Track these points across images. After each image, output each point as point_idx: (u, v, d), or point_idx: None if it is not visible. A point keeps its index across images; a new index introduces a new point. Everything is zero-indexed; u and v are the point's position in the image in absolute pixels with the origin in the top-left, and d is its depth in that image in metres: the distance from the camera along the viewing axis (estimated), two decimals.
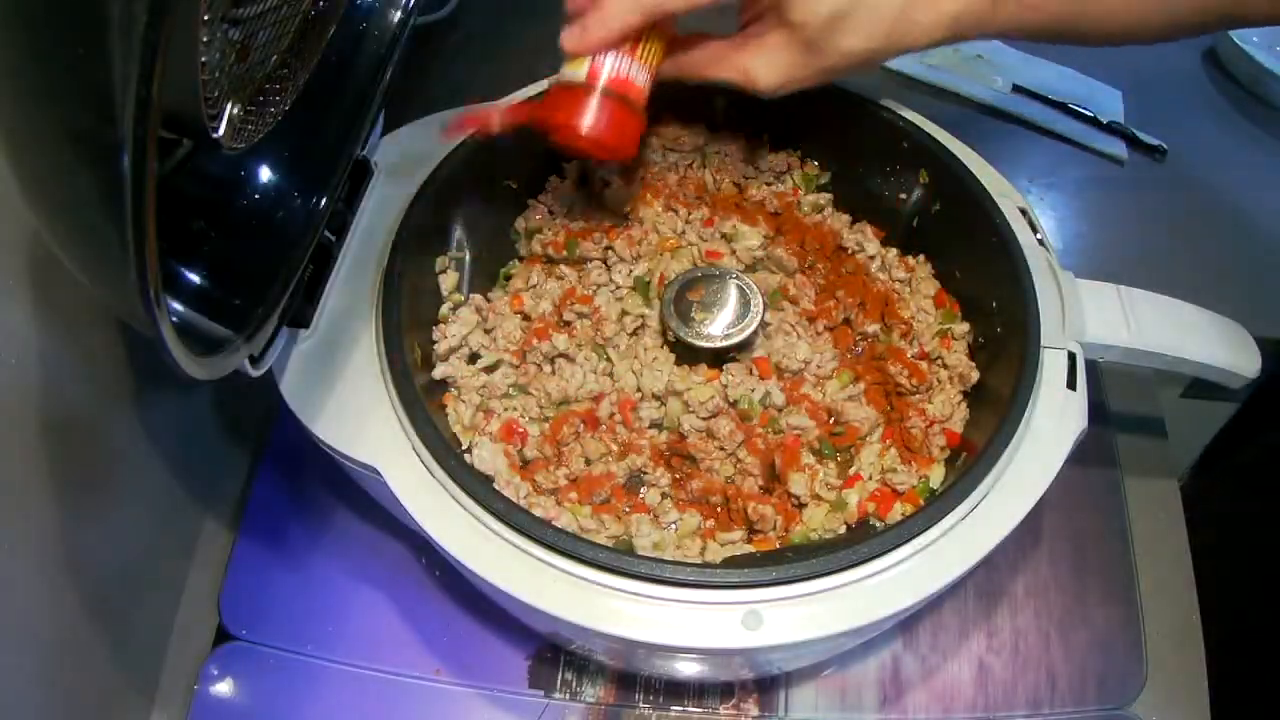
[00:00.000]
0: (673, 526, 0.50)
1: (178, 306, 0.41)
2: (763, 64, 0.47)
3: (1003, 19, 0.47)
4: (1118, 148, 0.83)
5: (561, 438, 0.51)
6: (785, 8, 0.44)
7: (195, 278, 0.43)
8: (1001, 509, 0.43)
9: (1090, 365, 0.49)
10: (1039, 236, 0.53)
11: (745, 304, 0.54)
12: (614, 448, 0.51)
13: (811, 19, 0.44)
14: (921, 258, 0.58)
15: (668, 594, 0.40)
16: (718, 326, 0.53)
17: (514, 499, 0.46)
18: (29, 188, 0.30)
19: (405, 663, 0.56)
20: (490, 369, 0.54)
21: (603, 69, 0.47)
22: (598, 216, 0.60)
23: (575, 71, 0.47)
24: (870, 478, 0.50)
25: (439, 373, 0.53)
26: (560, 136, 0.48)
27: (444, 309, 0.56)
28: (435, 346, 0.54)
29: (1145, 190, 0.82)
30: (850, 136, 0.59)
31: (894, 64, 0.86)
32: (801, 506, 0.50)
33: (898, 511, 0.49)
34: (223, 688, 0.55)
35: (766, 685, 0.56)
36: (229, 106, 0.39)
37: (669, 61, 0.49)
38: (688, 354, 0.54)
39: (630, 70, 0.47)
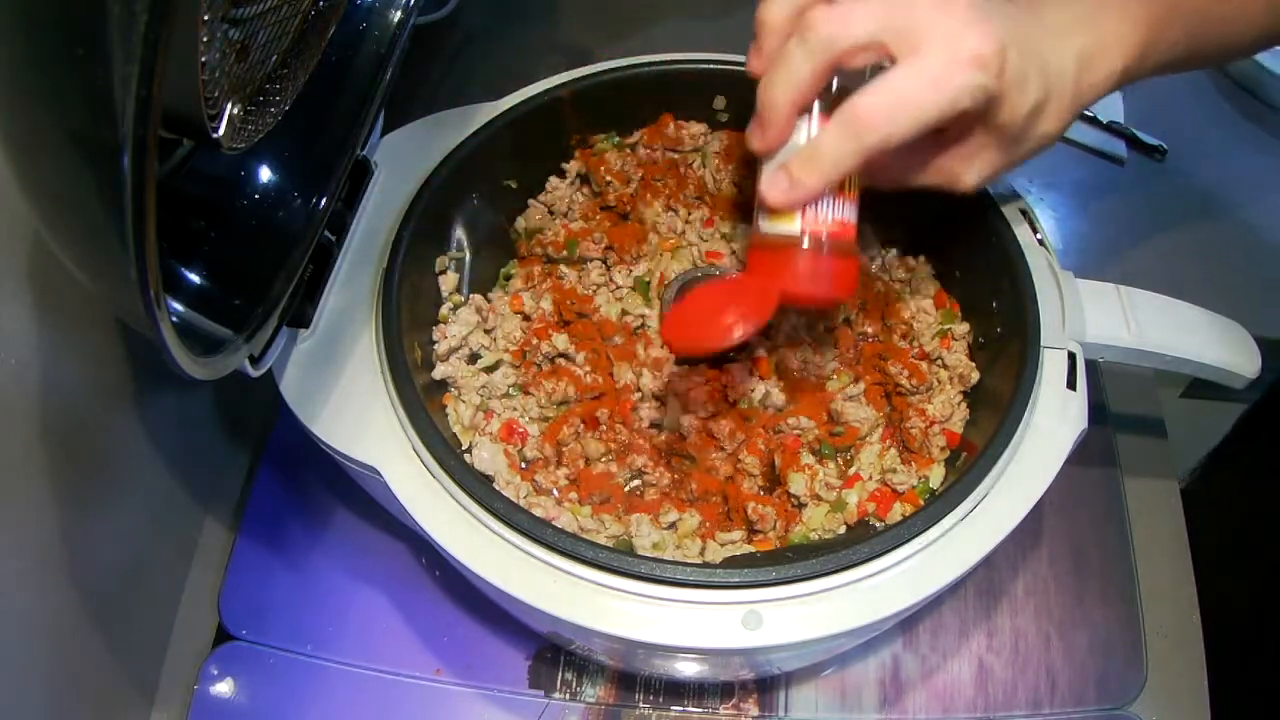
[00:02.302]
0: (673, 526, 0.50)
1: (178, 306, 0.41)
2: (968, 166, 0.46)
3: (1150, 64, 0.47)
4: (1118, 148, 0.83)
5: (561, 438, 0.51)
6: (989, 114, 0.43)
7: (195, 278, 0.43)
8: (1001, 509, 0.43)
9: (1090, 365, 0.49)
10: (1039, 236, 0.53)
11: None
12: (614, 448, 0.51)
13: (1014, 119, 0.43)
14: (921, 258, 0.58)
15: (668, 594, 0.40)
16: None
17: (514, 499, 0.46)
18: (29, 187, 0.30)
19: (405, 663, 0.56)
20: (490, 369, 0.54)
21: (817, 218, 0.42)
22: (597, 216, 0.60)
23: (786, 227, 0.42)
24: (870, 478, 0.50)
25: (439, 373, 0.53)
26: (783, 299, 0.43)
27: (444, 309, 0.56)
28: (435, 346, 0.54)
29: (1145, 190, 0.82)
30: None
31: None
32: (801, 506, 0.50)
33: (898, 511, 0.49)
34: (223, 688, 0.55)
35: (766, 685, 0.56)
36: (229, 106, 0.39)
37: (869, 176, 0.45)
38: None
39: (843, 211, 0.43)
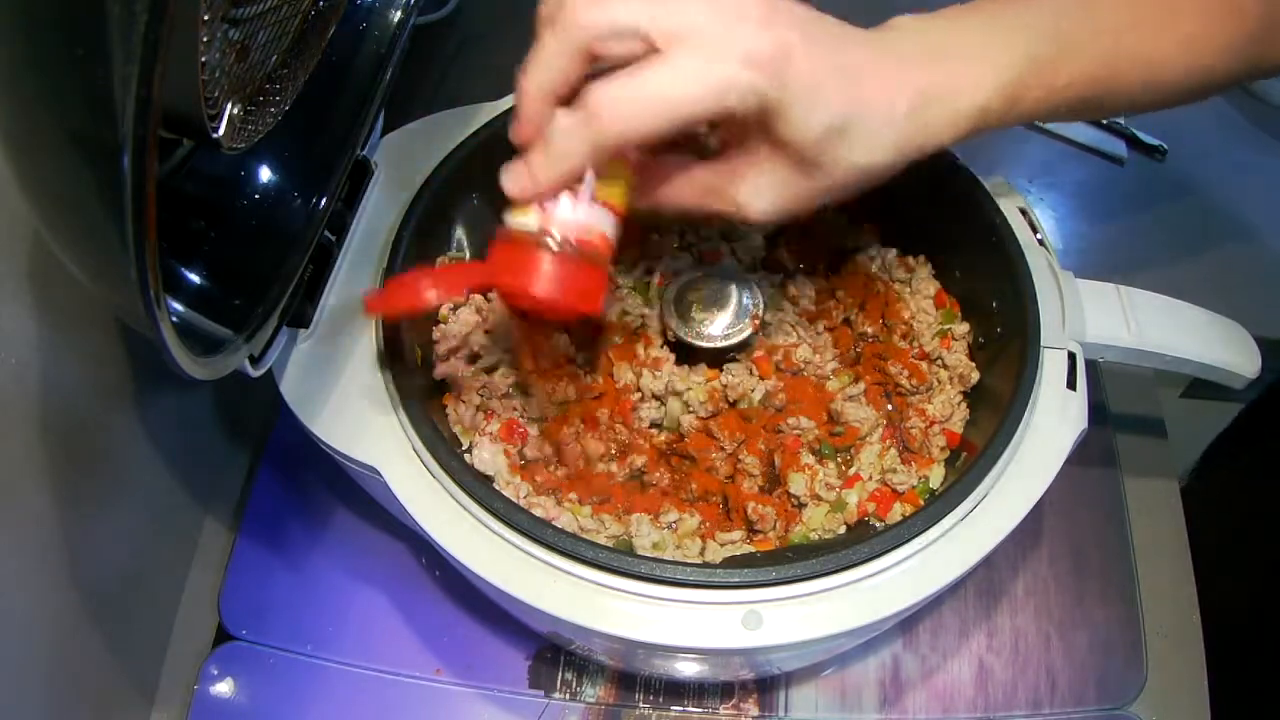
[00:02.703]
0: (673, 526, 0.50)
1: (178, 306, 0.41)
2: (754, 191, 0.40)
3: (1028, 107, 0.41)
4: (1118, 148, 0.83)
5: (561, 438, 0.51)
6: (772, 127, 0.37)
7: (195, 278, 0.43)
8: (1001, 509, 0.43)
9: (1090, 365, 0.49)
10: (1039, 236, 0.53)
11: (745, 304, 0.54)
12: (614, 448, 0.51)
13: (804, 136, 0.37)
14: (921, 258, 0.58)
15: (668, 594, 0.40)
16: (718, 326, 0.53)
17: (514, 499, 0.46)
18: (29, 187, 0.30)
19: (405, 663, 0.56)
20: (490, 369, 0.54)
21: (555, 217, 0.39)
22: None
23: (524, 220, 0.39)
24: (870, 478, 0.50)
25: (439, 373, 0.53)
26: (511, 299, 0.42)
27: (444, 309, 0.56)
28: (435, 346, 0.54)
29: (1145, 190, 0.82)
30: None
31: None
32: (801, 506, 0.50)
33: (898, 511, 0.49)
34: (223, 688, 0.55)
35: (766, 685, 0.56)
36: (229, 106, 0.39)
37: (639, 193, 0.42)
38: (688, 354, 0.54)
39: (589, 215, 0.39)
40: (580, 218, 0.39)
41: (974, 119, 0.40)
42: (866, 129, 0.38)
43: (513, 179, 0.38)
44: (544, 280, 0.39)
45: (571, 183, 0.38)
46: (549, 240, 0.39)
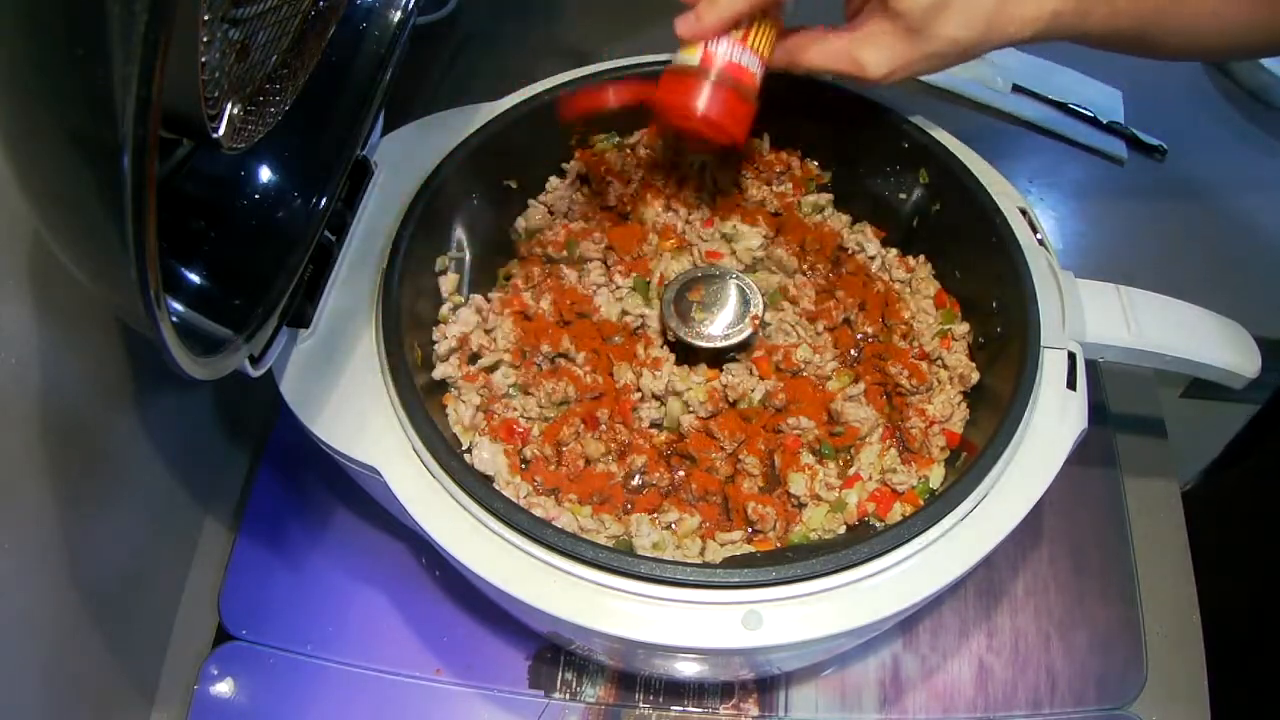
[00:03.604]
0: (673, 526, 0.50)
1: (178, 306, 0.41)
2: (871, 53, 0.50)
3: (1095, 21, 0.49)
4: (1118, 148, 0.83)
5: (561, 438, 0.51)
6: (888, 1, 0.47)
7: (195, 278, 0.43)
8: (1001, 509, 0.43)
9: (1090, 365, 0.49)
10: (1039, 236, 0.53)
11: (745, 304, 0.54)
12: (614, 448, 0.51)
13: (913, 7, 0.47)
14: (921, 258, 0.58)
15: (668, 594, 0.40)
16: (718, 326, 0.53)
17: (514, 499, 0.46)
18: (29, 188, 0.30)
19: (405, 663, 0.56)
20: (490, 369, 0.54)
21: (715, 55, 0.49)
22: (597, 217, 0.60)
23: (689, 57, 0.49)
24: (870, 478, 0.50)
25: (439, 373, 0.53)
26: (674, 118, 0.51)
27: (444, 309, 0.56)
28: (435, 346, 0.54)
29: (1145, 190, 0.82)
30: (851, 136, 0.59)
31: None
32: (801, 506, 0.50)
33: (897, 511, 0.49)
34: (223, 688, 0.55)
35: (766, 685, 0.56)
36: (229, 106, 0.39)
37: (780, 50, 0.51)
38: (688, 354, 0.54)
39: (742, 57, 0.49)
40: (734, 57, 0.49)
41: (1048, 19, 0.48)
42: (962, 7, 0.47)
43: (683, 23, 0.49)
44: (703, 100, 0.49)
45: (729, 29, 0.49)
46: (709, 71, 0.49)
